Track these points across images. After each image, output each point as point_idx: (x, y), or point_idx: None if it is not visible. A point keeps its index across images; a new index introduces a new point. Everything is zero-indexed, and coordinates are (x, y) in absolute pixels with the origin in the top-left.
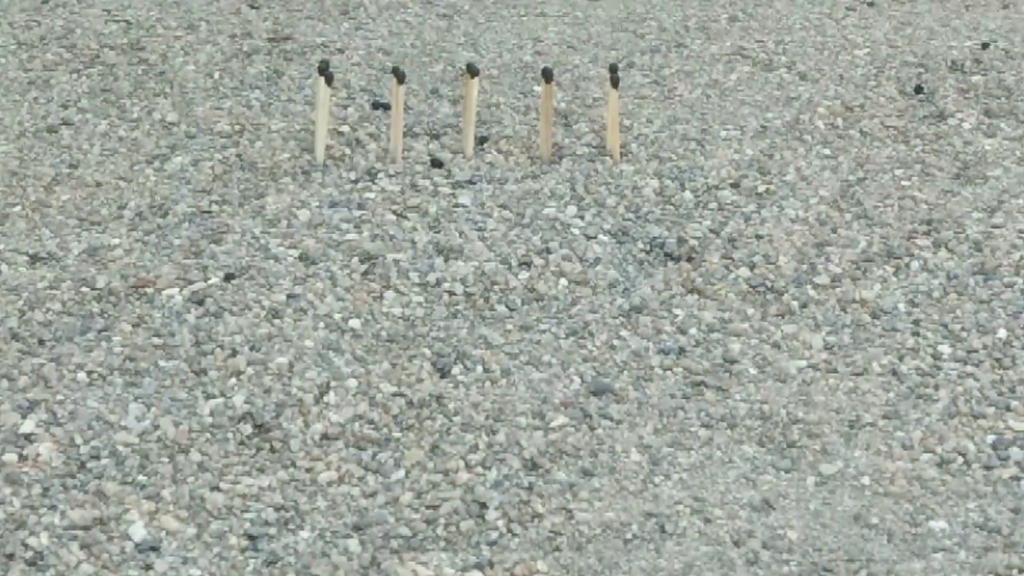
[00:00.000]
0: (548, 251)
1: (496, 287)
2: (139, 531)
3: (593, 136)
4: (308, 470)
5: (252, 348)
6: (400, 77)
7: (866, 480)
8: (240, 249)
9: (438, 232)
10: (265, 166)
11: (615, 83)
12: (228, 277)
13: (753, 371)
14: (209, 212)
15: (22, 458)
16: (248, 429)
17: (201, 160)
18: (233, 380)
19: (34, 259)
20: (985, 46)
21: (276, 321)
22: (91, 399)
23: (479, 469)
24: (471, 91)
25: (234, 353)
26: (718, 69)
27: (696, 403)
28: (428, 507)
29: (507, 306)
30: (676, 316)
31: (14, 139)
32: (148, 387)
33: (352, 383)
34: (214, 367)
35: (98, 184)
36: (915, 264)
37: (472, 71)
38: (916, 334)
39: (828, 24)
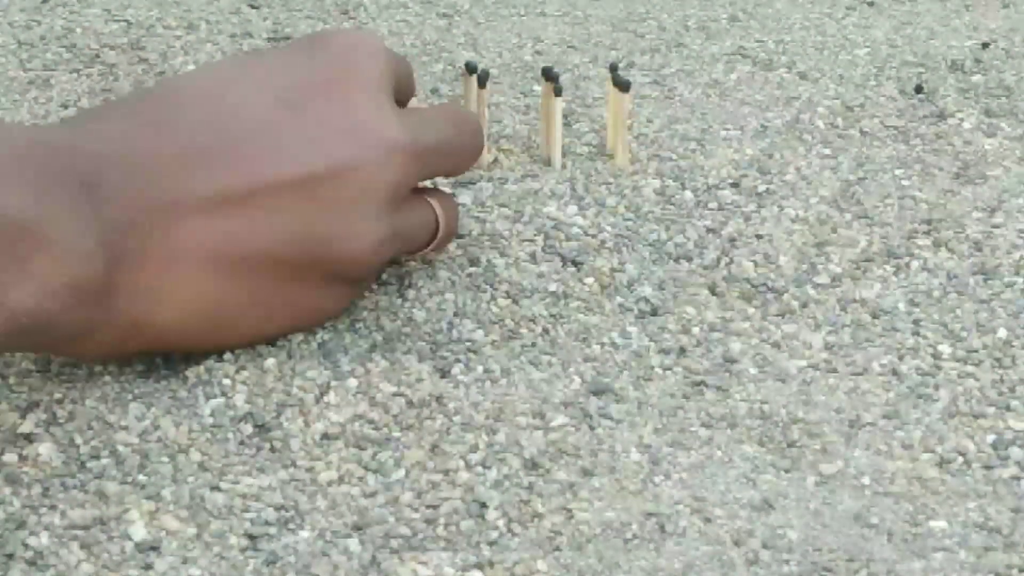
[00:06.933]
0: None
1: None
2: (139, 531)
3: (593, 136)
4: (308, 470)
5: (254, 348)
6: None
7: (866, 480)
8: None
9: None
10: None
11: (616, 83)
12: None
13: (753, 371)
14: None
15: (22, 458)
16: (249, 429)
17: None
18: (235, 379)
19: None
20: (985, 46)
21: None
22: (90, 398)
23: (479, 469)
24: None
25: (236, 353)
26: (718, 69)
27: (696, 403)
28: (428, 507)
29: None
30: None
31: None
32: (148, 386)
33: (352, 383)
34: (215, 367)
35: None
36: (915, 264)
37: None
38: (916, 334)
39: (828, 24)
